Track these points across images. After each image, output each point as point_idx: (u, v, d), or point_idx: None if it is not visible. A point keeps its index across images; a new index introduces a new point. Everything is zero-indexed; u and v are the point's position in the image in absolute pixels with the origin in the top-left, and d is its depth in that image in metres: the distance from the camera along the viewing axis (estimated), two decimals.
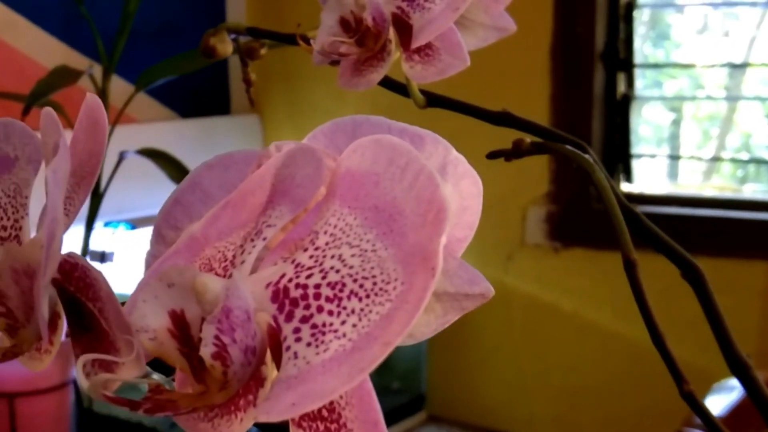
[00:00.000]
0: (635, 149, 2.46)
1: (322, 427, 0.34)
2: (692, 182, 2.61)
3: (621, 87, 2.38)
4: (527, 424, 2.65)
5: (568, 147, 0.65)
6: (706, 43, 2.59)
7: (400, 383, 2.77)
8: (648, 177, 2.52)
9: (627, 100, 2.38)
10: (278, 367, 0.35)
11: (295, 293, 0.34)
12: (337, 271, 0.34)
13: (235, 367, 0.34)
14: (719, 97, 2.61)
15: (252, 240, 0.37)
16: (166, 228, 0.45)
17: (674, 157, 2.54)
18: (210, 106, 2.69)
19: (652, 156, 2.55)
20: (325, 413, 0.34)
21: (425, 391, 2.79)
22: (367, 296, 0.33)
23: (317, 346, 0.33)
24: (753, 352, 1.24)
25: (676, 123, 2.68)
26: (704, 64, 2.54)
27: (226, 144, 2.65)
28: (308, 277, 0.34)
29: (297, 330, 0.34)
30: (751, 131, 2.58)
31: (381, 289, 0.32)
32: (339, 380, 0.31)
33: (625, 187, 2.42)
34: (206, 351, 0.33)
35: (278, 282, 0.35)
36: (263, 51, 0.85)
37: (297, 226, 0.37)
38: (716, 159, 2.57)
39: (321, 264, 0.34)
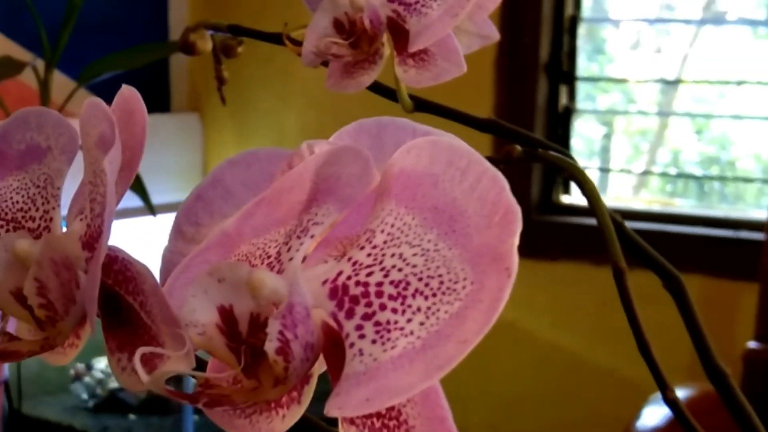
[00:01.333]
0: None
1: (378, 424, 0.35)
2: (622, 195, 2.66)
3: (563, 99, 2.41)
4: None
5: (561, 156, 0.67)
6: (638, 59, 2.63)
7: None
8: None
9: (568, 112, 2.42)
10: (334, 363, 0.35)
11: (356, 291, 0.35)
12: (400, 270, 0.34)
13: (296, 363, 0.34)
14: (651, 113, 2.66)
15: (298, 237, 0.37)
16: (186, 224, 0.45)
17: (605, 170, 2.58)
18: (150, 103, 2.65)
19: (584, 168, 2.58)
20: (382, 409, 0.35)
21: None
22: (434, 295, 0.33)
23: (383, 344, 0.33)
24: (686, 364, 1.27)
25: (608, 137, 2.72)
26: (638, 80, 2.58)
27: (166, 142, 2.63)
28: (369, 275, 0.35)
29: (359, 327, 0.34)
30: (680, 147, 2.64)
31: (449, 288, 0.33)
32: (415, 377, 0.31)
33: (564, 198, 2.45)
34: (270, 346, 0.33)
35: (336, 279, 0.35)
36: (240, 49, 0.85)
37: (341, 224, 0.38)
38: (646, 173, 2.61)
39: (381, 262, 0.35)
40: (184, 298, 0.38)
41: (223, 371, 0.38)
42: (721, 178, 2.55)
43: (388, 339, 0.33)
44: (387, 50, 0.69)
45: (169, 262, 0.43)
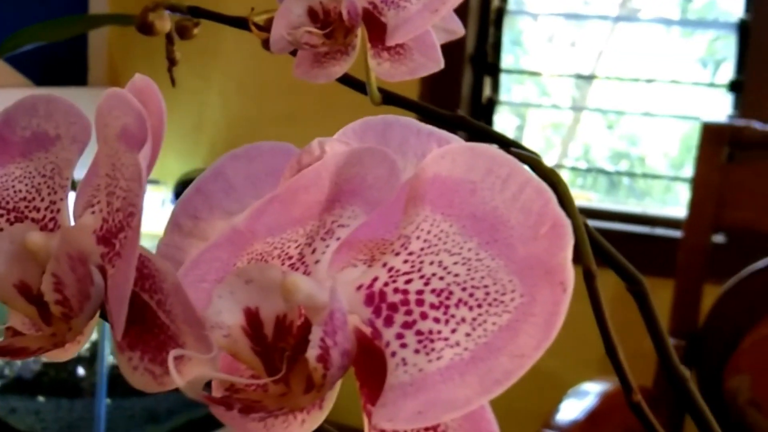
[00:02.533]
0: None
1: None
2: None
3: (486, 91, 2.43)
4: None
5: (532, 156, 0.67)
6: (554, 53, 2.67)
7: None
8: None
9: (491, 104, 2.43)
10: (364, 370, 0.35)
11: (394, 298, 0.34)
12: (441, 278, 0.34)
13: (333, 370, 0.33)
14: (564, 107, 2.69)
15: (323, 239, 0.36)
16: (184, 217, 0.44)
17: None
18: (66, 75, 2.61)
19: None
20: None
21: None
22: (479, 306, 0.33)
23: (427, 354, 0.33)
24: (599, 358, 1.29)
25: (520, 129, 2.75)
26: (553, 73, 2.61)
27: None
28: (407, 282, 0.34)
29: (400, 336, 0.33)
30: (592, 141, 2.68)
31: (495, 299, 0.33)
32: (470, 390, 0.31)
33: None
34: (312, 353, 0.33)
35: (371, 285, 0.35)
36: (196, 30, 0.83)
37: (363, 226, 0.37)
38: (558, 166, 2.65)
39: (420, 270, 0.34)
40: (194, 296, 0.37)
41: (236, 374, 0.37)
42: (631, 174, 2.60)
43: (433, 349, 0.33)
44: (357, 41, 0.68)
45: (164, 255, 0.42)
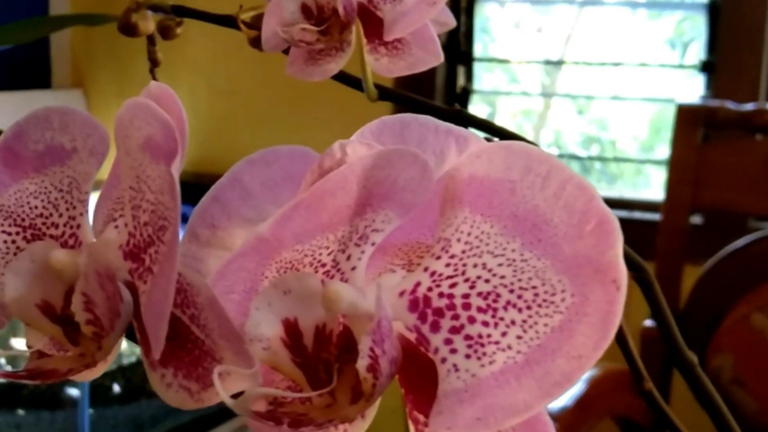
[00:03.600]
0: None
1: None
2: None
3: (461, 80, 2.42)
4: None
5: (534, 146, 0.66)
6: (521, 39, 2.67)
7: None
8: None
9: (466, 93, 2.43)
10: (409, 377, 0.34)
11: (439, 303, 0.33)
12: (487, 281, 0.33)
13: (382, 379, 0.33)
14: (534, 93, 2.69)
15: (357, 245, 0.36)
16: (201, 226, 0.43)
17: None
18: (29, 78, 2.57)
19: None
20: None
21: None
22: (528, 307, 0.32)
23: (479, 358, 0.32)
24: None
25: (491, 117, 2.75)
26: (522, 60, 2.61)
27: None
28: (452, 286, 0.34)
29: (449, 341, 0.33)
30: (563, 127, 2.68)
31: (545, 300, 0.32)
32: (529, 395, 0.31)
33: None
34: (362, 363, 0.32)
35: (414, 291, 0.34)
36: (179, 30, 0.82)
37: (396, 230, 0.36)
38: None
39: (464, 273, 0.34)
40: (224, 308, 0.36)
41: (272, 386, 0.37)
42: (602, 159, 2.61)
43: (484, 353, 0.32)
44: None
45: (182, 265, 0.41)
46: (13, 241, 0.39)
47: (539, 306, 0.32)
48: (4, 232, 0.39)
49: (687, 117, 1.78)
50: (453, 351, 0.32)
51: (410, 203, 0.35)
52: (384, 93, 0.71)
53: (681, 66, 2.43)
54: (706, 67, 2.18)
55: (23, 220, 0.39)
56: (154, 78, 0.84)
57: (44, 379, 0.36)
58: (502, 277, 0.33)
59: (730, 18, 2.11)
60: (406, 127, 0.44)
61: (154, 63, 0.85)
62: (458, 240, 0.34)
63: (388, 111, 2.30)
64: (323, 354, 0.35)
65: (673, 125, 1.78)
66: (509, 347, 0.32)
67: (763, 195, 1.73)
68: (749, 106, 1.74)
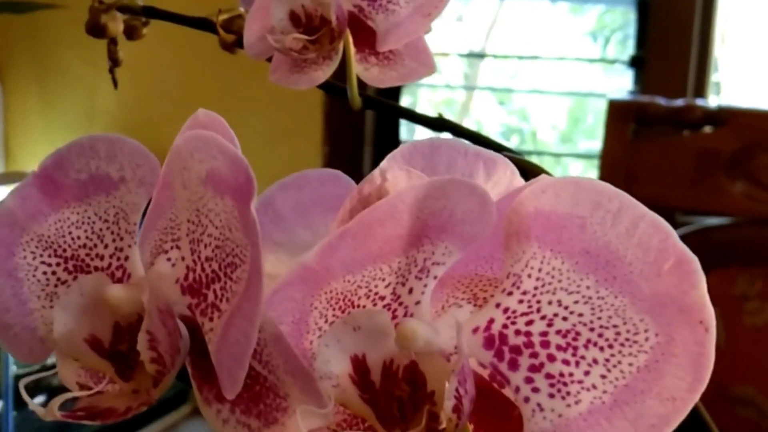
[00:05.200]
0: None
1: None
2: None
3: None
4: None
5: (528, 161, 0.67)
6: (444, 31, 2.68)
7: None
8: None
9: (397, 86, 2.43)
10: (481, 413, 0.35)
11: (516, 340, 0.34)
12: (565, 319, 0.33)
13: (464, 418, 0.33)
14: (456, 86, 2.71)
15: (418, 278, 0.36)
16: None
17: (404, 143, 2.60)
18: None
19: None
20: None
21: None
22: (611, 346, 0.33)
23: (563, 398, 0.32)
24: None
25: (412, 107, 2.76)
26: (444, 52, 2.63)
27: None
28: (528, 323, 0.34)
29: (530, 380, 0.33)
30: (484, 118, 2.71)
31: (628, 339, 0.33)
32: None
33: None
34: (448, 405, 0.32)
35: (489, 327, 0.34)
36: (145, 30, 0.81)
37: (456, 263, 0.37)
38: None
39: (539, 310, 0.34)
40: None
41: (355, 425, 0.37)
42: (528, 152, 2.64)
43: (568, 393, 0.32)
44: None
45: None
46: (54, 273, 0.39)
47: (622, 345, 0.32)
48: (43, 263, 0.39)
49: (618, 112, 1.81)
50: (535, 390, 0.33)
51: (471, 236, 0.35)
52: (368, 101, 0.71)
53: (603, 60, 2.47)
54: (635, 63, 2.21)
55: (65, 250, 0.39)
56: (114, 79, 0.83)
57: (104, 418, 0.35)
58: (581, 315, 0.33)
59: (659, 13, 2.15)
60: (436, 150, 0.45)
61: (115, 63, 0.84)
62: (529, 276, 0.34)
63: (319, 99, 2.30)
64: (393, 390, 0.35)
65: (605, 120, 1.81)
66: (594, 387, 0.32)
67: (693, 190, 1.77)
68: (679, 102, 1.78)
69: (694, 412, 0.61)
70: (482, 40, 2.59)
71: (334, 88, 0.70)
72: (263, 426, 0.35)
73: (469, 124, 2.70)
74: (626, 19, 2.43)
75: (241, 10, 0.78)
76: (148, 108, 2.45)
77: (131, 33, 0.80)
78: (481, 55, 2.55)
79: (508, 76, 2.65)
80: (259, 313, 0.32)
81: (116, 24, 0.76)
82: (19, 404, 1.96)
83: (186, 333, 0.36)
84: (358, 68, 0.66)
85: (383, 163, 0.43)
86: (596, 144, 2.55)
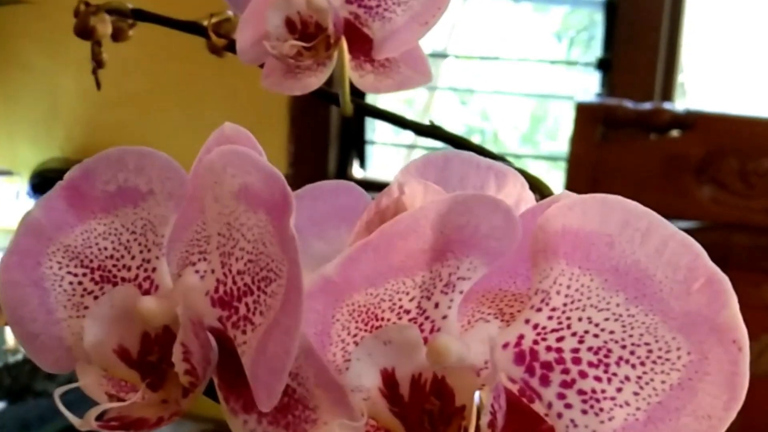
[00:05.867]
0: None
1: None
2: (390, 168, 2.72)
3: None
4: None
5: (524, 171, 0.68)
6: None
7: None
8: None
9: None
10: (509, 427, 0.36)
11: (547, 357, 0.35)
12: (596, 336, 0.35)
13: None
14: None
15: (444, 293, 0.37)
16: None
17: (370, 142, 2.61)
18: None
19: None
20: None
21: None
22: (642, 364, 0.34)
23: (596, 414, 0.34)
24: None
25: (373, 104, 2.76)
26: None
27: None
28: (559, 340, 0.35)
29: (562, 396, 0.34)
30: (445, 118, 2.73)
31: (660, 357, 0.34)
32: None
33: (358, 173, 2.48)
34: (484, 420, 0.33)
35: (519, 343, 0.35)
36: (131, 32, 0.82)
37: (481, 280, 0.38)
38: (411, 146, 2.69)
39: (569, 327, 0.35)
40: None
41: None
42: (487, 151, 2.65)
43: (601, 409, 0.34)
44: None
45: None
46: (80, 283, 0.39)
47: (654, 362, 0.34)
48: (70, 273, 0.39)
49: (586, 115, 1.84)
50: (568, 406, 0.34)
51: (496, 251, 0.36)
52: (359, 108, 0.72)
53: (569, 62, 2.49)
54: (601, 65, 2.24)
55: (91, 261, 0.39)
56: (97, 80, 0.84)
57: (136, 428, 0.36)
58: (612, 332, 0.34)
59: (626, 15, 2.18)
60: (449, 163, 0.46)
61: (98, 64, 0.84)
62: (558, 293, 0.35)
63: (285, 98, 2.30)
64: (423, 404, 0.36)
65: (573, 123, 1.83)
66: (627, 404, 0.33)
67: (660, 194, 1.80)
68: (647, 106, 1.80)
69: None
70: (444, 39, 2.61)
71: (326, 94, 0.71)
72: None
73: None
74: (592, 20, 2.45)
75: (230, 13, 0.79)
76: (112, 104, 2.44)
77: (118, 35, 0.81)
78: (443, 55, 2.56)
79: (471, 76, 2.67)
80: (299, 328, 0.33)
81: (105, 26, 0.76)
82: None
83: (215, 345, 0.37)
84: (353, 75, 0.67)
85: (399, 176, 0.45)
86: (558, 145, 2.58)
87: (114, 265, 0.39)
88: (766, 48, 2.28)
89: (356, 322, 0.37)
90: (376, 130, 2.60)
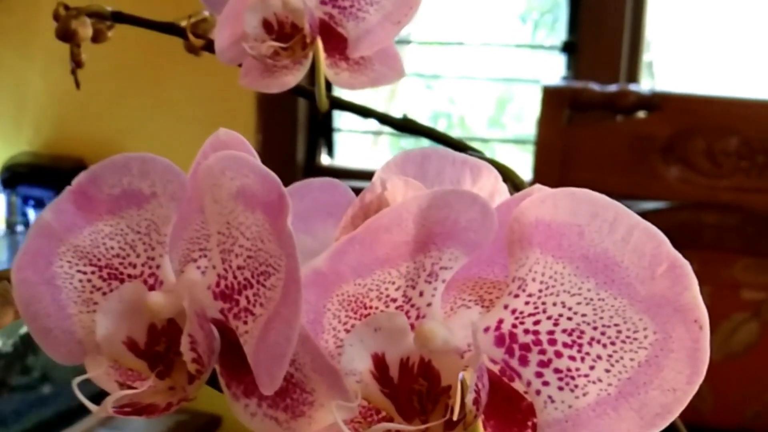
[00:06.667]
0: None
1: None
2: (356, 155, 2.75)
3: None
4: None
5: (488, 159, 0.72)
6: None
7: None
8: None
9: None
10: (490, 405, 0.40)
11: (525, 339, 0.39)
12: (570, 319, 0.39)
13: (481, 410, 0.38)
14: None
15: (428, 282, 0.41)
16: None
17: (336, 130, 2.64)
18: None
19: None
20: None
21: None
22: (613, 343, 0.38)
23: (572, 390, 0.38)
24: None
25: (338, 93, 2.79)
26: None
27: None
28: (536, 323, 0.39)
29: (539, 374, 0.38)
30: (411, 103, 2.76)
31: (628, 337, 0.38)
32: (630, 424, 0.37)
33: (326, 161, 2.52)
34: (470, 398, 0.37)
35: (499, 327, 0.39)
36: (110, 34, 0.85)
37: (462, 269, 0.42)
38: (377, 133, 2.72)
39: (545, 311, 0.39)
40: None
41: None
42: (458, 141, 2.68)
43: (576, 386, 0.38)
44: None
45: None
46: (89, 280, 0.43)
47: (623, 342, 0.38)
48: (79, 271, 0.43)
49: (552, 98, 1.88)
50: (545, 383, 0.38)
51: (475, 242, 0.40)
52: (335, 103, 0.76)
53: (534, 46, 2.53)
54: (567, 48, 2.28)
55: (99, 260, 0.43)
56: (76, 80, 0.87)
57: (148, 413, 0.40)
58: (584, 315, 0.38)
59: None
60: (427, 159, 0.50)
61: (77, 64, 0.87)
62: (533, 279, 0.39)
63: (251, 97, 2.33)
64: (411, 385, 0.40)
65: (540, 106, 1.87)
66: (599, 380, 0.38)
67: (628, 175, 1.84)
68: (612, 88, 1.85)
69: None
70: (408, 26, 2.63)
71: (302, 91, 0.75)
72: (290, 418, 0.40)
73: (396, 108, 2.75)
74: (555, 2, 2.49)
75: (206, 14, 0.82)
76: (79, 99, 2.46)
77: (97, 36, 0.84)
78: (406, 41, 2.60)
79: (436, 61, 2.70)
80: (299, 317, 0.37)
81: (86, 29, 0.80)
82: None
83: (218, 335, 0.41)
84: (328, 73, 0.71)
85: (381, 173, 0.48)
86: (525, 128, 2.62)
87: (120, 263, 0.43)
88: (732, 26, 2.33)
89: (346, 311, 0.41)
90: (341, 117, 2.63)
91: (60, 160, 2.48)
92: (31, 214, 2.41)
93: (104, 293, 0.43)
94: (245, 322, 0.40)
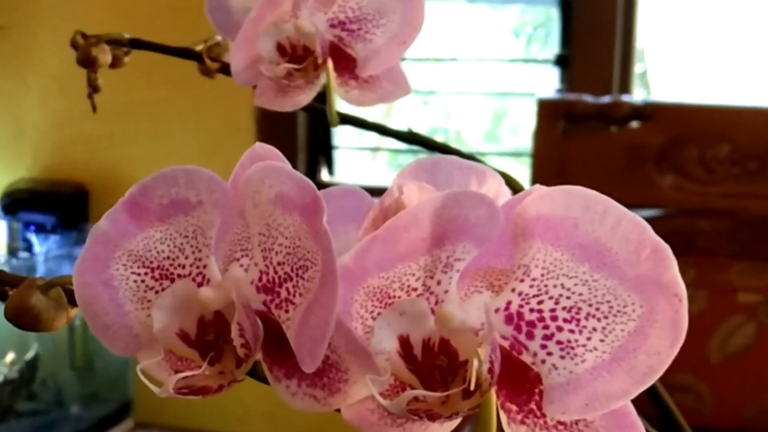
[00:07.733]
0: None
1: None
2: (355, 171, 2.81)
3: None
4: (239, 422, 2.78)
5: (499, 169, 0.79)
6: None
7: (106, 391, 2.79)
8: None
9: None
10: (502, 375, 0.46)
11: (531, 316, 0.45)
12: (568, 298, 0.45)
13: (495, 379, 0.45)
14: None
15: (444, 272, 0.47)
16: None
17: (335, 148, 2.70)
18: None
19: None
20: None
21: (131, 397, 2.83)
22: (605, 317, 0.45)
23: (572, 358, 0.44)
24: None
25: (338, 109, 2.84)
26: None
27: None
28: (539, 303, 0.46)
29: (544, 346, 0.45)
30: (409, 119, 2.81)
31: (619, 311, 0.44)
32: (623, 383, 0.43)
33: (327, 178, 2.58)
34: (484, 368, 0.44)
35: (508, 308, 0.46)
36: (126, 59, 0.92)
37: (473, 259, 0.48)
38: (375, 149, 2.78)
39: (547, 292, 0.46)
40: None
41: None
42: (462, 153, 2.74)
43: (576, 354, 0.44)
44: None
45: None
46: (143, 281, 0.50)
47: (615, 315, 0.44)
48: (134, 273, 0.50)
49: (547, 111, 1.94)
50: (549, 354, 0.45)
51: (484, 236, 0.47)
52: (344, 118, 0.83)
53: (528, 60, 2.60)
54: (560, 61, 2.35)
55: (151, 262, 0.49)
56: (93, 104, 0.93)
57: (203, 393, 0.46)
58: (580, 294, 0.45)
59: (581, 11, 2.29)
60: (437, 166, 0.56)
61: (94, 89, 0.93)
62: (536, 266, 0.46)
63: (250, 107, 2.38)
64: (433, 361, 0.46)
65: (535, 119, 1.93)
66: (595, 348, 0.44)
67: (623, 184, 1.90)
68: (606, 99, 1.91)
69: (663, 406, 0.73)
70: None
71: (313, 108, 0.81)
72: (328, 395, 0.46)
73: (393, 124, 2.80)
74: (548, 16, 2.56)
75: (218, 38, 0.89)
76: (78, 122, 2.51)
77: (115, 62, 0.91)
78: (401, 59, 2.65)
79: (432, 78, 2.76)
80: (336, 302, 0.44)
81: (105, 56, 0.86)
82: None
83: (260, 324, 0.47)
84: (339, 91, 0.78)
85: (397, 179, 0.55)
86: (521, 141, 2.68)
87: (171, 265, 0.49)
88: (724, 35, 2.40)
89: (372, 301, 0.47)
90: (339, 134, 2.69)
91: (59, 186, 2.53)
92: (33, 239, 2.46)
93: (156, 292, 0.49)
94: (287, 311, 0.46)
